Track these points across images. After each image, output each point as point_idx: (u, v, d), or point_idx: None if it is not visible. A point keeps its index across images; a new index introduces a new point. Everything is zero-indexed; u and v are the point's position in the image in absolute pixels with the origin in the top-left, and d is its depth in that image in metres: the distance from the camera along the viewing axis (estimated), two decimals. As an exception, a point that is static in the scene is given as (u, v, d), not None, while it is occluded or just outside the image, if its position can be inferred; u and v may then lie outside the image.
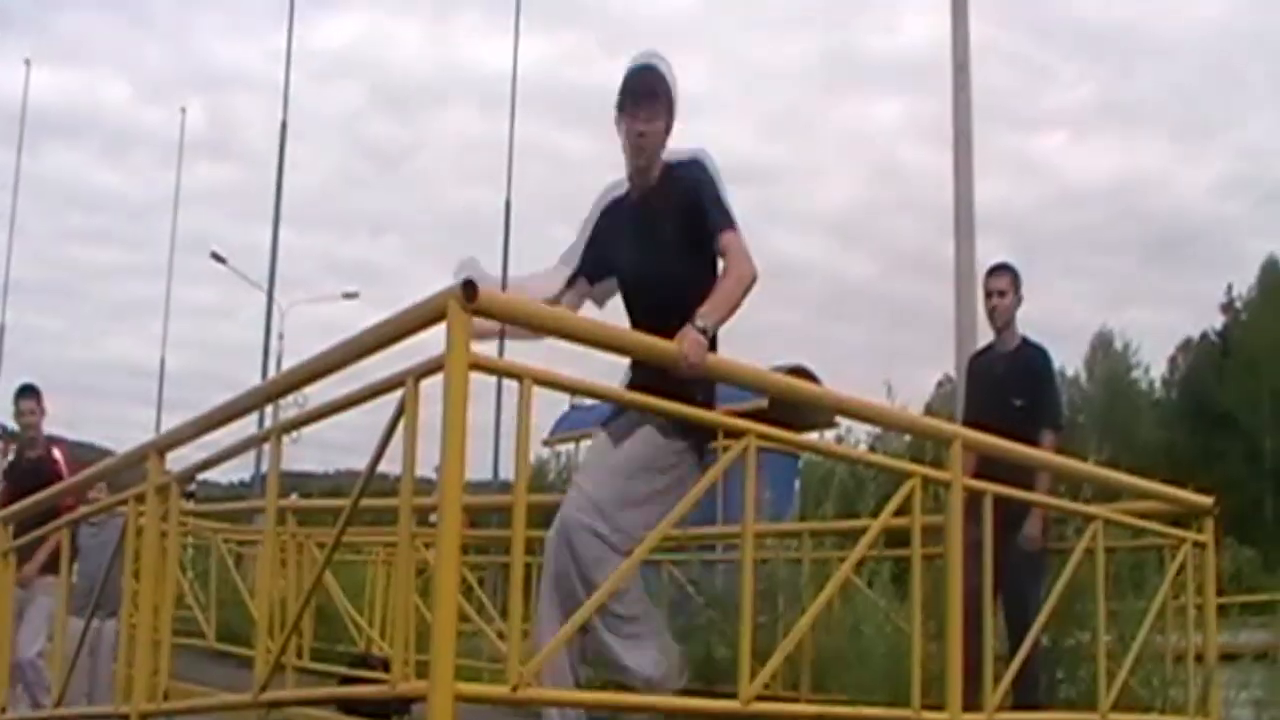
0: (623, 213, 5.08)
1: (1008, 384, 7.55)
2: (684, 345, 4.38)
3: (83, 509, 7.30)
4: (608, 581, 4.37)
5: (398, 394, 4.05)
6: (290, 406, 11.75)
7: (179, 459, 5.90)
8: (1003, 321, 7.69)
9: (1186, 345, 68.44)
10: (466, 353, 3.78)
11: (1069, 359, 65.95)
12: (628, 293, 5.06)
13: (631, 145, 4.95)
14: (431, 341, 3.95)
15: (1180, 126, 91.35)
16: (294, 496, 16.93)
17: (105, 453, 11.11)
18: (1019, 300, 7.68)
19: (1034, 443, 6.96)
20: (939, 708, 5.02)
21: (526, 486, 4.15)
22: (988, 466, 6.12)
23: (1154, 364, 69.30)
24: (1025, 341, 7.72)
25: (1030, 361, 7.67)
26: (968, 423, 7.39)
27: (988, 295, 7.71)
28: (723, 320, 4.65)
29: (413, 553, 4.30)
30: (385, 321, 4.39)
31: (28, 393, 9.83)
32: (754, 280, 4.74)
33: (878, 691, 7.03)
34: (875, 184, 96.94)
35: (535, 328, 4.35)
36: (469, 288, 3.75)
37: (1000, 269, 7.80)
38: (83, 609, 7.26)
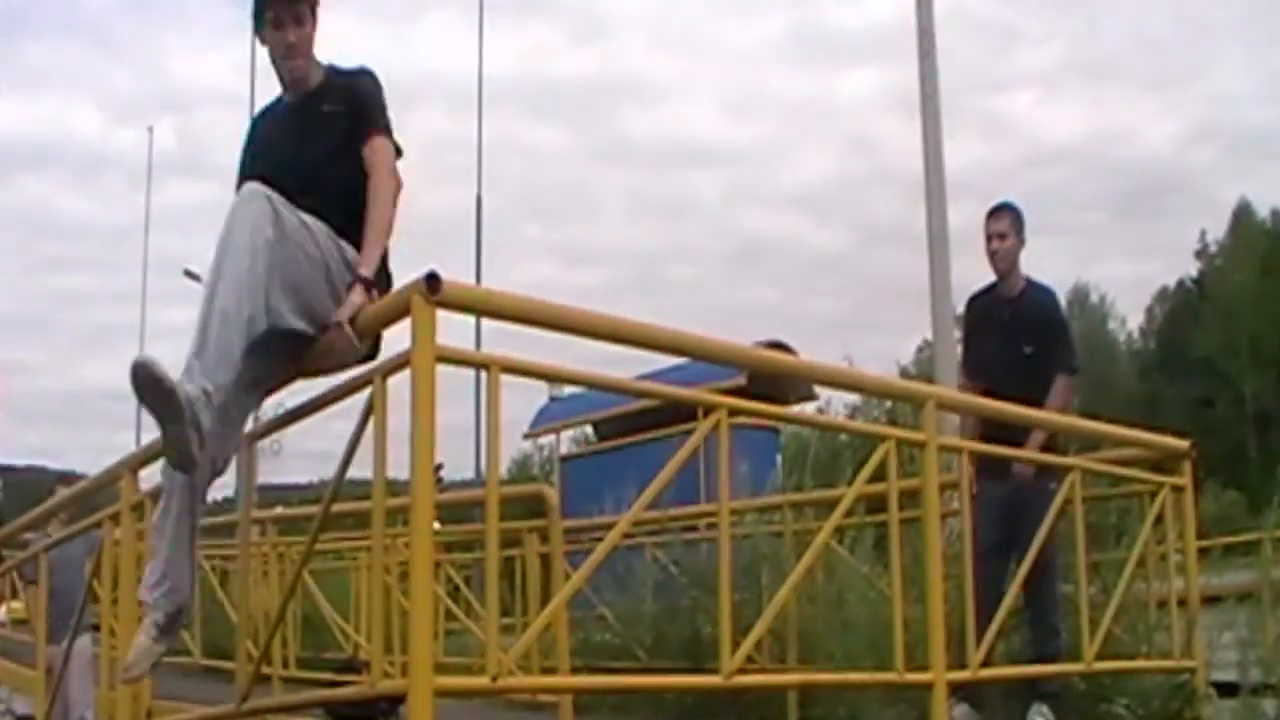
0: (278, 119, 4.87)
1: (1016, 330, 7.24)
2: (342, 312, 4.22)
3: (54, 532, 7.28)
4: None
5: (367, 394, 4.04)
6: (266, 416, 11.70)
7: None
8: (1006, 265, 7.35)
9: (1163, 294, 68.73)
10: (433, 345, 3.76)
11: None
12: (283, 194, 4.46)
13: (282, 55, 4.77)
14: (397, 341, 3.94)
15: (1148, 78, 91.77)
16: (278, 509, 16.88)
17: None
18: (1021, 242, 7.38)
19: (1046, 389, 6.89)
20: (924, 669, 5.04)
21: (499, 479, 4.13)
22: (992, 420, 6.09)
23: (1132, 315, 69.69)
24: (1031, 283, 7.43)
25: (1039, 304, 7.39)
26: (973, 367, 7.35)
27: (988, 239, 7.36)
28: (382, 251, 4.44)
29: (384, 554, 4.27)
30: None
31: None
32: (399, 190, 4.54)
33: (864, 659, 7.02)
34: (847, 157, 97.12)
35: (503, 316, 4.29)
36: (432, 280, 3.74)
37: (1000, 210, 7.45)
38: (58, 631, 7.22)
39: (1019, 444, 6.46)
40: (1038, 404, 6.67)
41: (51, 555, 8.44)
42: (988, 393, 6.60)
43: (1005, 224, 7.35)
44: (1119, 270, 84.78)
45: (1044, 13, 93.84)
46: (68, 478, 9.55)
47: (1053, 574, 6.47)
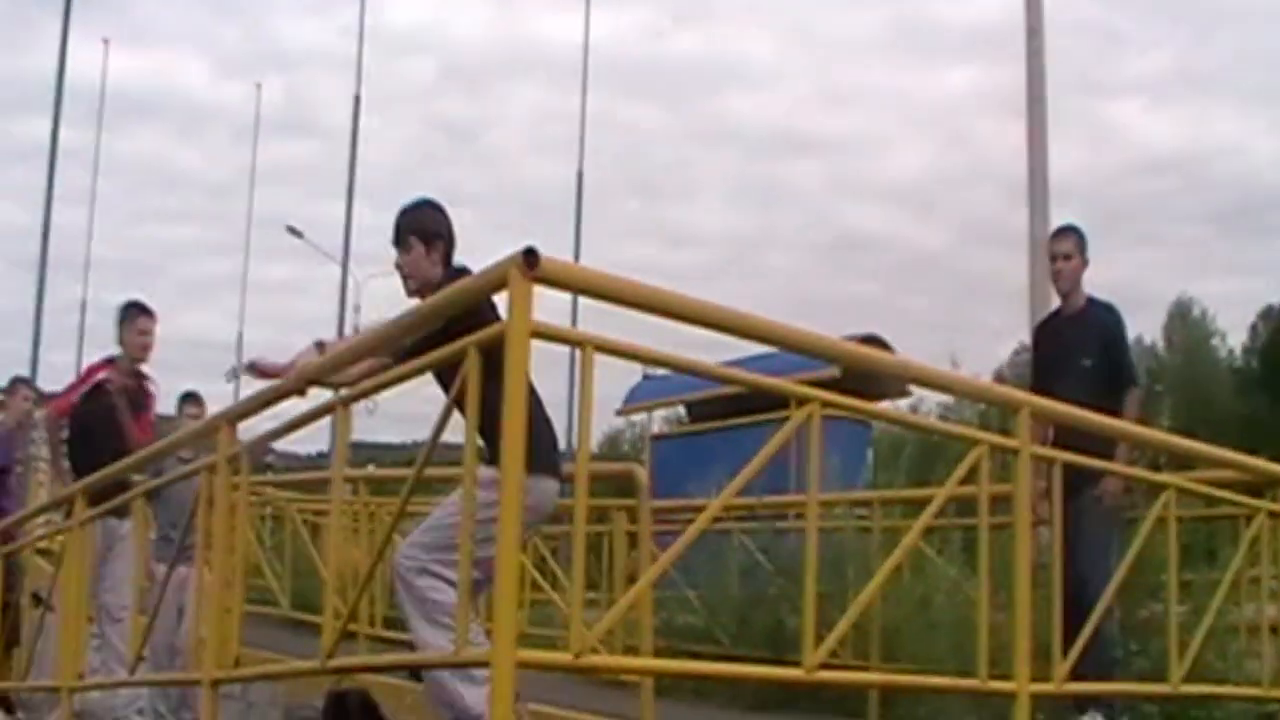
0: None
1: (1075, 345, 7.31)
2: None
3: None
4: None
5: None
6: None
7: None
8: (1068, 285, 7.46)
9: (1267, 313, 67.27)
10: (528, 320, 3.78)
11: (1147, 328, 65.18)
12: None
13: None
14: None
15: (1257, 92, 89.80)
16: (371, 468, 17.07)
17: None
18: (1085, 263, 7.45)
19: (1108, 403, 6.79)
20: (1007, 678, 4.99)
21: (589, 455, 4.15)
22: (1064, 434, 6.04)
23: (1234, 332, 68.30)
24: (1092, 301, 7.49)
25: (1098, 320, 7.44)
26: (1036, 390, 7.29)
27: (1052, 259, 7.47)
28: None
29: (474, 522, 4.28)
30: (449, 291, 4.41)
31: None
32: None
33: (948, 662, 6.98)
34: (947, 154, 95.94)
35: (599, 295, 4.29)
36: (530, 255, 3.75)
37: (1064, 231, 7.59)
38: (163, 557, 7.33)
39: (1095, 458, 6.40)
40: (1097, 406, 6.61)
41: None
42: (1059, 434, 6.56)
43: (1070, 245, 7.47)
44: (1222, 286, 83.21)
45: (1153, 20, 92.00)
46: (193, 396, 9.60)
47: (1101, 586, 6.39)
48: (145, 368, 8.92)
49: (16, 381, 11.46)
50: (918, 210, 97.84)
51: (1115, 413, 6.72)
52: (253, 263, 48.05)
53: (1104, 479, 6.69)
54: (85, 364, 10.25)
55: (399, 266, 5.56)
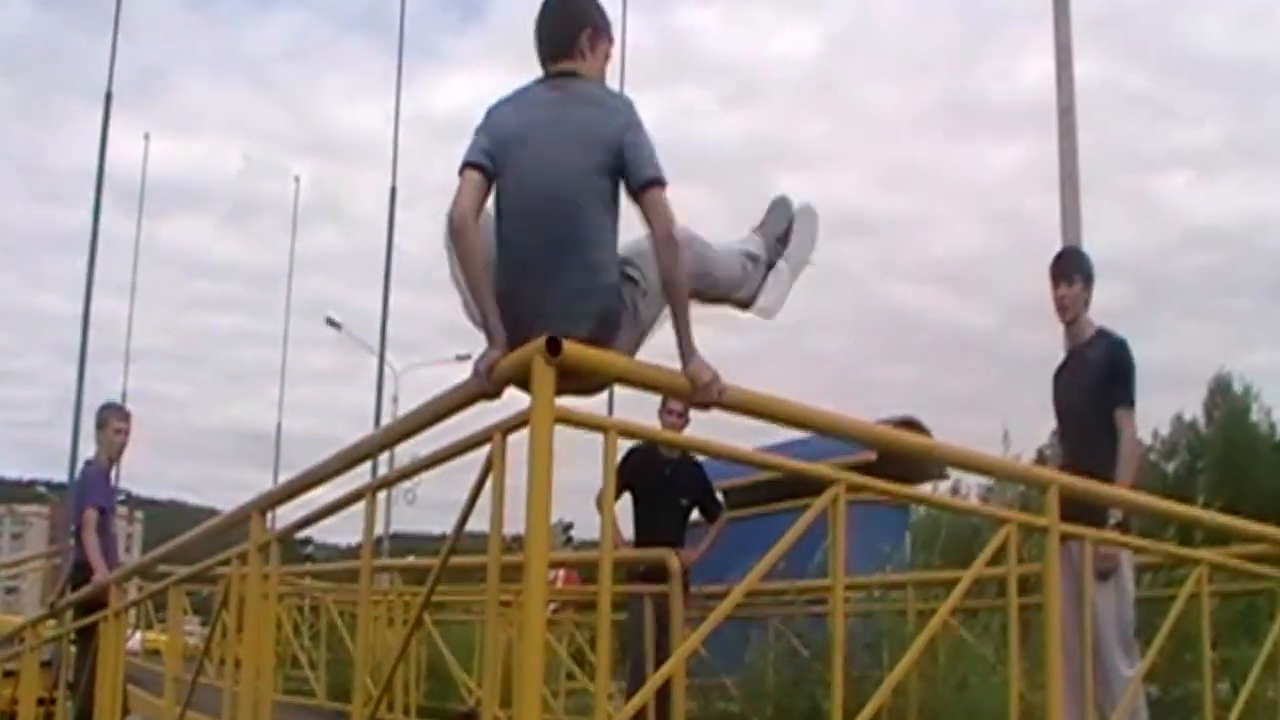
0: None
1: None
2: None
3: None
4: None
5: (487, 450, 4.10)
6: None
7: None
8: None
9: (1310, 386, 66.67)
10: (552, 406, 3.81)
11: (1189, 404, 64.77)
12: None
13: None
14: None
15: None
16: (411, 558, 17.09)
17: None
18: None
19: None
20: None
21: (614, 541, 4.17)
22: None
23: (1278, 407, 67.69)
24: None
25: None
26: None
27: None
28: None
29: (506, 609, 4.31)
30: (470, 380, 4.44)
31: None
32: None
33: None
34: (993, 232, 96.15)
35: (621, 380, 4.33)
36: (553, 343, 3.79)
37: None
38: None
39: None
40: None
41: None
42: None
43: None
44: (1269, 360, 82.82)
45: (1201, 91, 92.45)
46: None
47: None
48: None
49: (106, 410, 10.19)
50: (963, 289, 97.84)
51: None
52: (297, 352, 48.42)
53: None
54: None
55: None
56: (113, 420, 9.79)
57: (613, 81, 4.67)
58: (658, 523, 8.59)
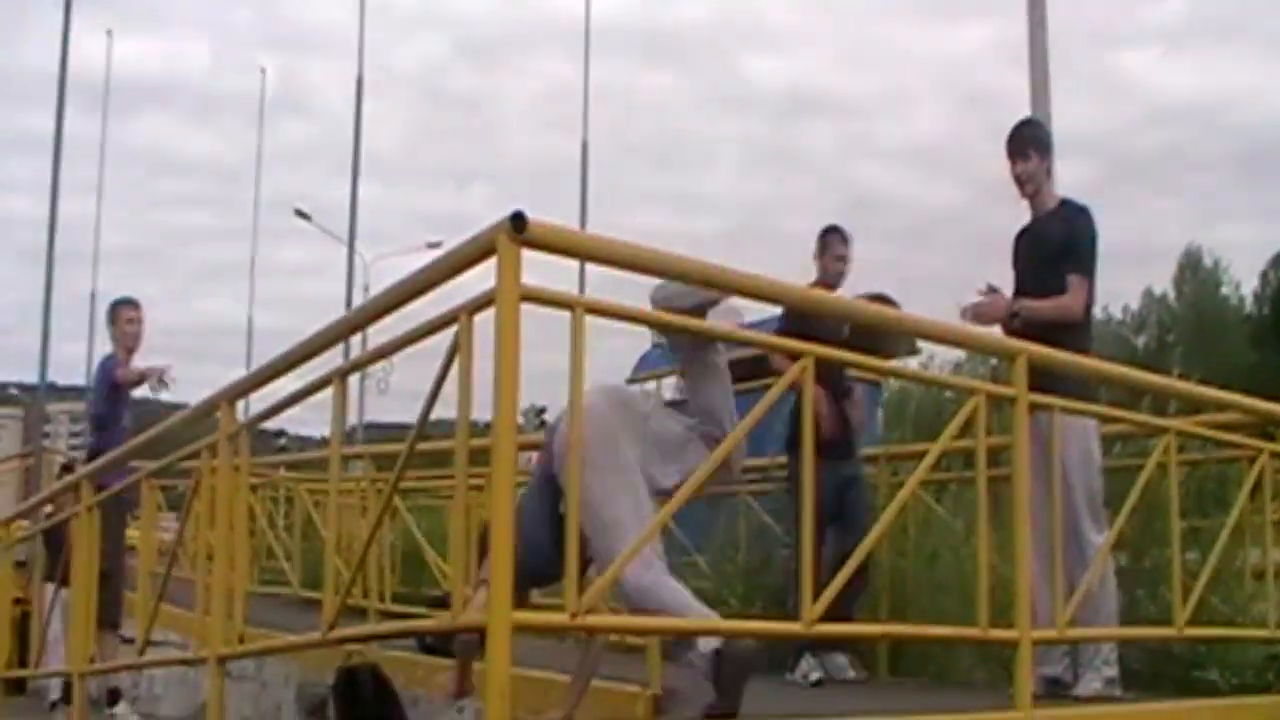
0: None
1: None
2: None
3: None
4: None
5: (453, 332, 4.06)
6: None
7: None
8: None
9: (1277, 260, 66.96)
10: (517, 284, 3.77)
11: (1158, 279, 65.06)
12: None
13: None
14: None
15: (1274, 37, 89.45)
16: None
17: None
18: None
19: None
20: (1010, 627, 5.00)
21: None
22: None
23: (1247, 281, 68.07)
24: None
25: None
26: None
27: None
28: None
29: (474, 492, 4.30)
30: (437, 259, 4.40)
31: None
32: None
33: (955, 616, 6.98)
34: (962, 111, 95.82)
35: (589, 257, 4.30)
36: (518, 219, 3.75)
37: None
38: None
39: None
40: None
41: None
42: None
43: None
44: (1236, 234, 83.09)
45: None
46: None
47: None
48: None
49: (115, 304, 10.00)
50: (932, 169, 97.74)
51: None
52: (267, 247, 48.41)
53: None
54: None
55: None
56: (124, 311, 9.79)
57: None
58: None
